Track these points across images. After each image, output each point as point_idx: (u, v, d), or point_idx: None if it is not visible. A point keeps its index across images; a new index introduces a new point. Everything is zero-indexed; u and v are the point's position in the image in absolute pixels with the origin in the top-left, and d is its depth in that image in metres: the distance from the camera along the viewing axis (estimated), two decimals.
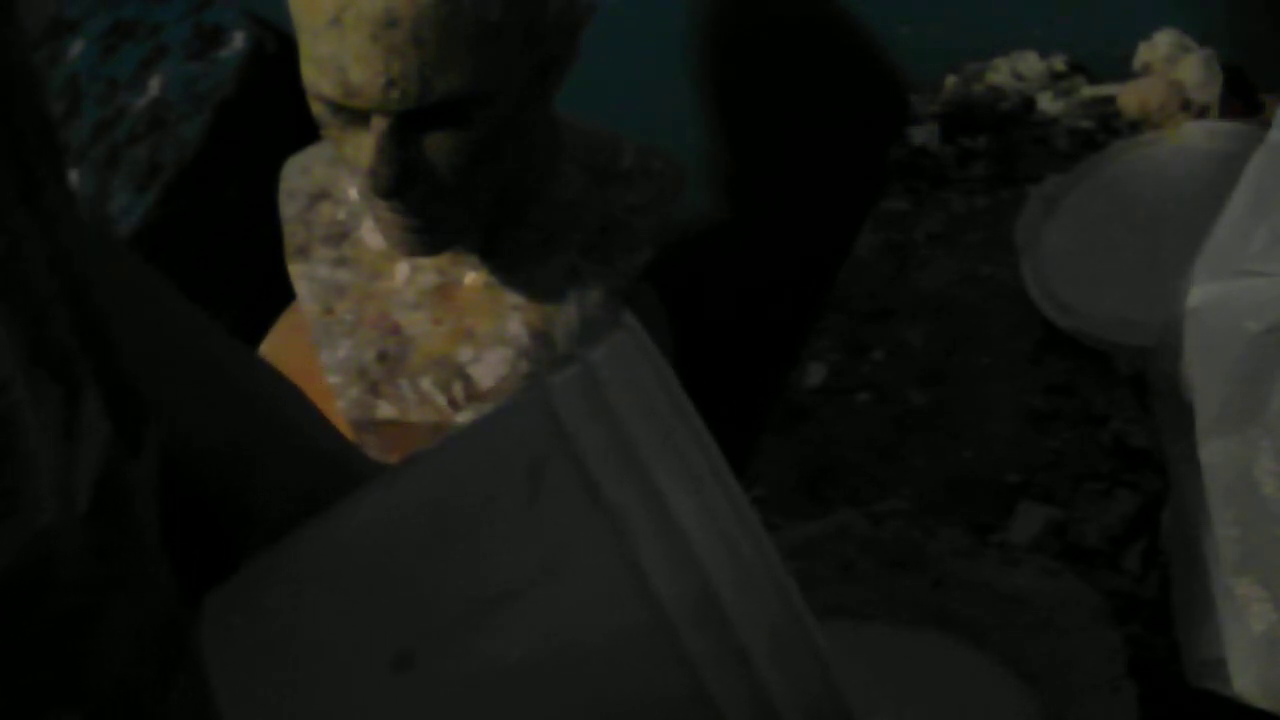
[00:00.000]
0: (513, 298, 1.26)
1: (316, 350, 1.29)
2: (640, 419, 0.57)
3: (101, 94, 1.61)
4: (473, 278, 1.27)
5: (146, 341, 0.65)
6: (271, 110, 1.59)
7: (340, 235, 1.30)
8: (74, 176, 1.56)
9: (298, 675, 0.57)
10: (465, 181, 1.14)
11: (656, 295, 1.39)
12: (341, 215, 1.31)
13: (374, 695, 0.56)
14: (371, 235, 1.28)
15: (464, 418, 1.26)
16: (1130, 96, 1.30)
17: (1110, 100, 1.33)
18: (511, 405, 0.63)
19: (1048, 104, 1.35)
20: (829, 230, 1.36)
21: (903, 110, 1.38)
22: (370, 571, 0.58)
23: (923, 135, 1.35)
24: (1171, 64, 1.30)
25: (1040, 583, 0.97)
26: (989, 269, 1.24)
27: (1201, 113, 1.27)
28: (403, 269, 1.28)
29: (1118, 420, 1.11)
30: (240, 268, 1.58)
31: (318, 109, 1.14)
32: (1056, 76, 1.36)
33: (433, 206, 1.15)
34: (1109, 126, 1.31)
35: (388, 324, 1.28)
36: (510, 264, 1.26)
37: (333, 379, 1.27)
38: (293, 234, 1.31)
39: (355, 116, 1.12)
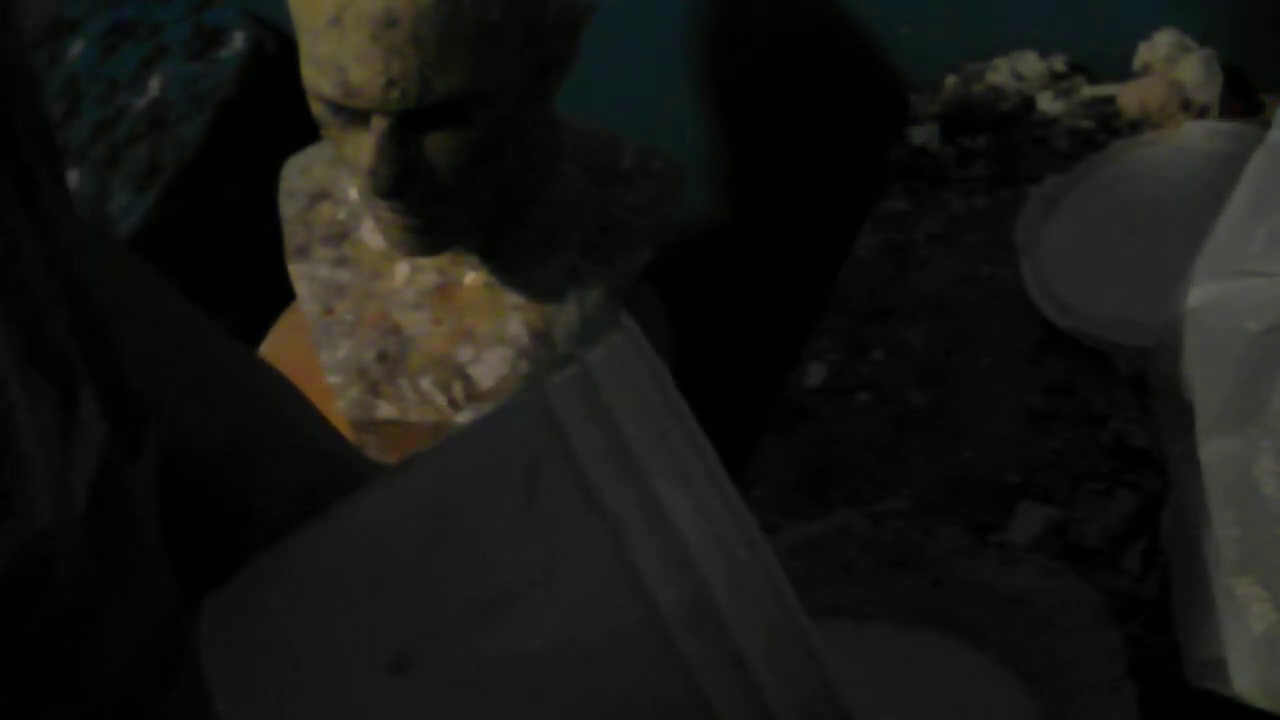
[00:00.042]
0: (513, 298, 1.26)
1: (316, 350, 1.29)
2: (636, 420, 0.57)
3: (101, 94, 1.61)
4: (473, 278, 1.27)
5: (146, 342, 0.65)
6: (271, 110, 1.59)
7: (340, 235, 1.30)
8: (74, 176, 1.56)
9: (296, 676, 0.57)
10: (465, 181, 1.14)
11: (656, 295, 1.39)
12: (341, 215, 1.31)
13: (372, 697, 0.56)
14: (371, 235, 1.28)
15: (464, 418, 1.26)
16: (1130, 96, 1.30)
17: (1110, 100, 1.33)
18: (509, 406, 0.63)
19: (1048, 104, 1.35)
20: (829, 230, 1.36)
21: (903, 110, 1.38)
22: (368, 573, 0.58)
23: (923, 135, 1.35)
24: (1171, 64, 1.30)
25: (1040, 583, 0.97)
26: (989, 269, 1.24)
27: (1201, 113, 1.27)
28: (403, 269, 1.28)
29: (1118, 420, 1.11)
30: (240, 268, 1.58)
31: (318, 109, 1.14)
32: (1056, 76, 1.36)
33: (433, 206, 1.15)
34: (1109, 126, 1.31)
35: (388, 324, 1.28)
36: (510, 264, 1.26)
37: (333, 379, 1.27)
38: (293, 234, 1.31)
39: (355, 116, 1.12)
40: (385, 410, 1.27)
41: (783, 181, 1.56)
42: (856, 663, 0.62)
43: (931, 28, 1.43)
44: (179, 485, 0.65)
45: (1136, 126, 1.29)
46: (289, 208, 1.32)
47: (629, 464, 0.56)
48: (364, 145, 1.12)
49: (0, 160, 0.48)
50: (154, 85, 1.60)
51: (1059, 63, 1.36)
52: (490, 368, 1.26)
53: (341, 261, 1.29)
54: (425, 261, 1.26)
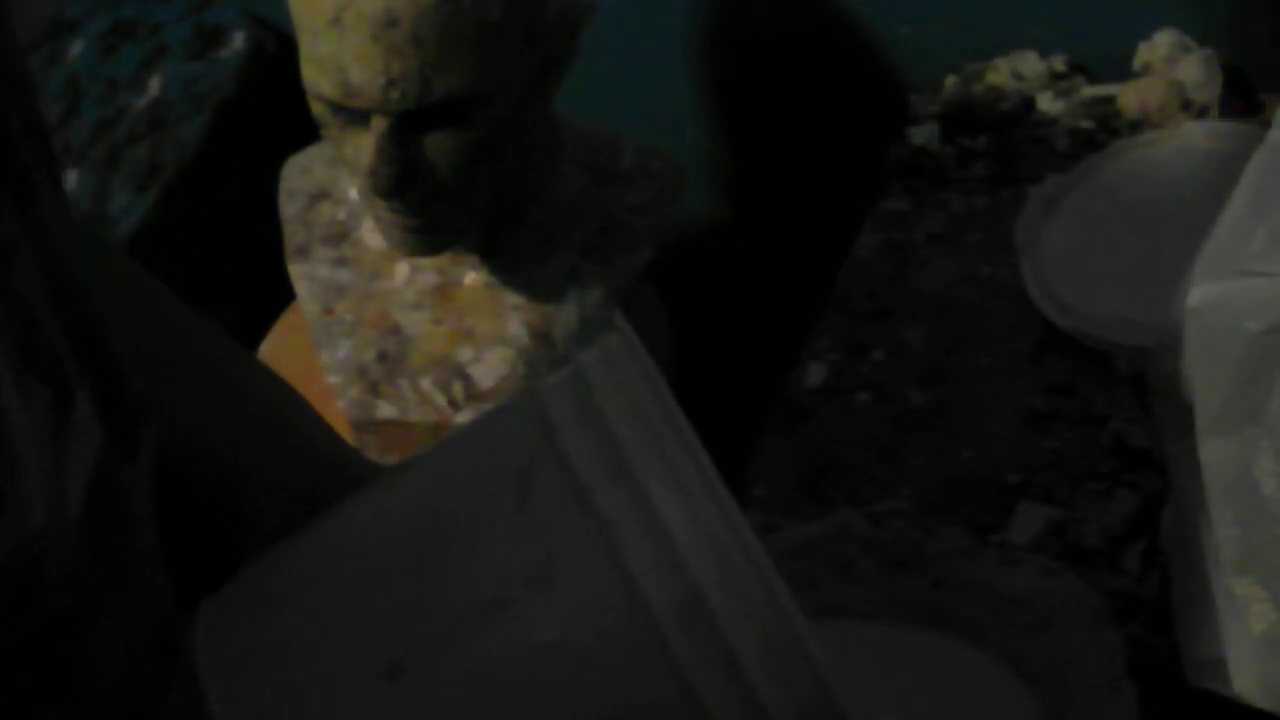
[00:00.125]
0: (513, 298, 1.26)
1: (316, 350, 1.29)
2: (629, 423, 0.57)
3: (101, 94, 1.61)
4: (473, 278, 1.27)
5: (145, 343, 0.65)
6: (271, 110, 1.59)
7: (340, 235, 1.30)
8: (74, 176, 1.56)
9: (291, 681, 0.57)
10: (465, 181, 1.14)
11: (656, 295, 1.39)
12: (341, 215, 1.31)
13: (366, 702, 0.56)
14: (371, 235, 1.28)
15: (464, 418, 1.26)
16: (1130, 96, 1.30)
17: (1110, 100, 1.33)
18: (503, 409, 0.63)
19: (1048, 104, 1.35)
20: (829, 230, 1.36)
21: (903, 110, 1.38)
22: (363, 578, 0.58)
23: (923, 135, 1.35)
24: (1171, 64, 1.30)
25: (1040, 583, 0.97)
26: (989, 269, 1.24)
27: (1201, 113, 1.27)
28: (403, 269, 1.28)
29: (1118, 420, 1.11)
30: (240, 268, 1.58)
31: (318, 109, 1.14)
32: (1056, 76, 1.36)
33: (433, 206, 1.15)
34: (1109, 126, 1.31)
35: (388, 324, 1.28)
36: (510, 264, 1.26)
37: (333, 379, 1.27)
38: (293, 234, 1.31)
39: (355, 116, 1.12)
40: (385, 410, 1.27)
41: (783, 181, 1.56)
42: (856, 663, 0.62)
43: (931, 28, 1.43)
44: (177, 486, 0.65)
45: (1136, 126, 1.29)
46: (289, 208, 1.32)
47: (621, 467, 0.56)
48: (364, 145, 1.12)
49: None
50: (154, 85, 1.60)
51: (1059, 63, 1.36)
52: (490, 368, 1.26)
53: (341, 261, 1.29)
54: (425, 261, 1.26)
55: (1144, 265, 1.16)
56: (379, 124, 1.10)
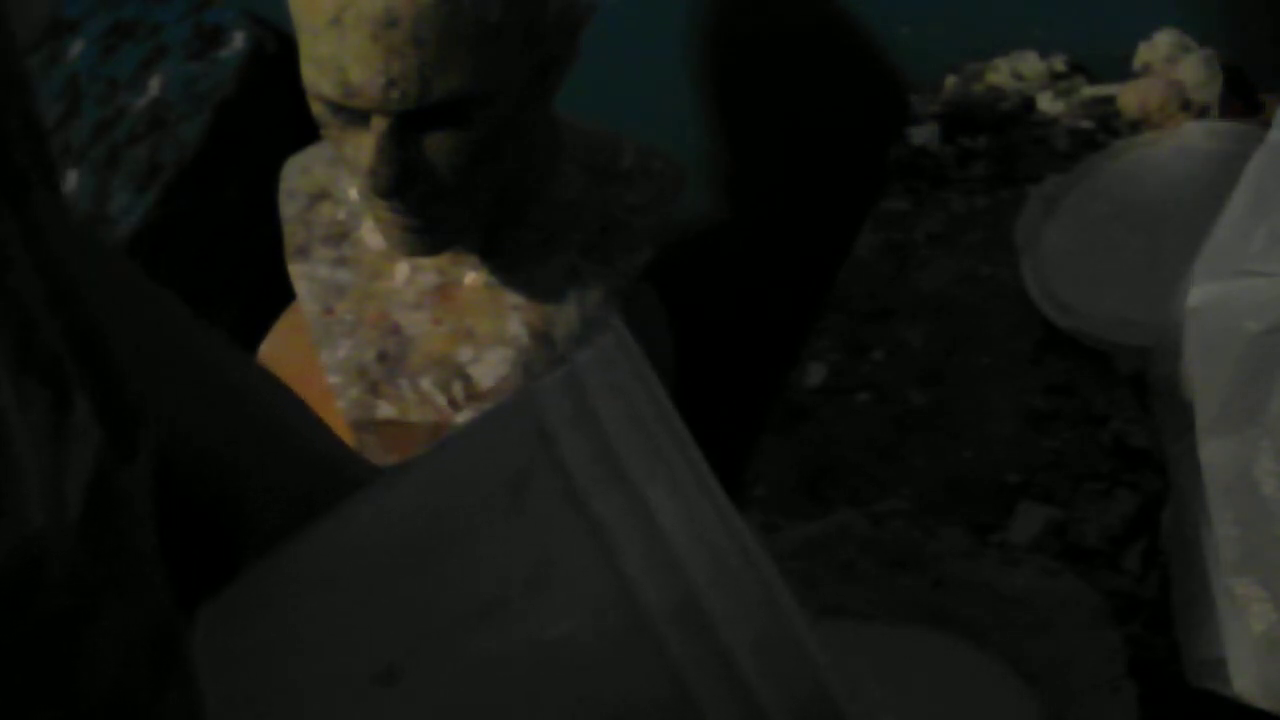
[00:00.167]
0: (513, 298, 1.26)
1: (316, 350, 1.29)
2: (623, 425, 0.57)
3: (101, 94, 1.61)
4: (473, 278, 1.27)
5: (144, 345, 0.65)
6: (271, 110, 1.59)
7: (340, 235, 1.30)
8: (74, 176, 1.56)
9: (290, 683, 0.57)
10: (465, 181, 1.14)
11: (656, 295, 1.39)
12: (341, 215, 1.31)
13: (364, 704, 0.56)
14: (371, 235, 1.28)
15: (464, 418, 1.26)
16: (1130, 96, 1.30)
17: (1110, 100, 1.33)
18: (500, 411, 0.63)
19: (1048, 104, 1.35)
20: (829, 230, 1.36)
21: (903, 110, 1.38)
22: (361, 582, 0.59)
23: (923, 135, 1.35)
24: (1171, 64, 1.30)
25: (1040, 583, 0.97)
26: (989, 269, 1.24)
27: (1201, 113, 1.27)
28: (403, 269, 1.28)
29: (1118, 420, 1.11)
30: (240, 268, 1.58)
31: (318, 109, 1.14)
32: (1056, 76, 1.36)
33: (433, 206, 1.15)
34: (1109, 126, 1.31)
35: (388, 324, 1.28)
36: (510, 264, 1.26)
37: (333, 379, 1.27)
38: (293, 234, 1.31)
39: (355, 116, 1.12)
40: (385, 410, 1.27)
41: (783, 181, 1.56)
42: (857, 663, 0.61)
43: (931, 28, 1.43)
44: (177, 487, 0.65)
45: (1136, 126, 1.29)
46: (289, 208, 1.32)
47: (615, 469, 0.56)
48: (364, 145, 1.12)
49: None
50: (154, 85, 1.60)
51: (1059, 63, 1.36)
52: (490, 368, 1.26)
53: (341, 261, 1.29)
54: (425, 261, 1.26)
55: (1144, 265, 1.16)
56: (379, 124, 1.10)
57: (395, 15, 1.07)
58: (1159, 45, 1.32)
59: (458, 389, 1.26)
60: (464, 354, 1.26)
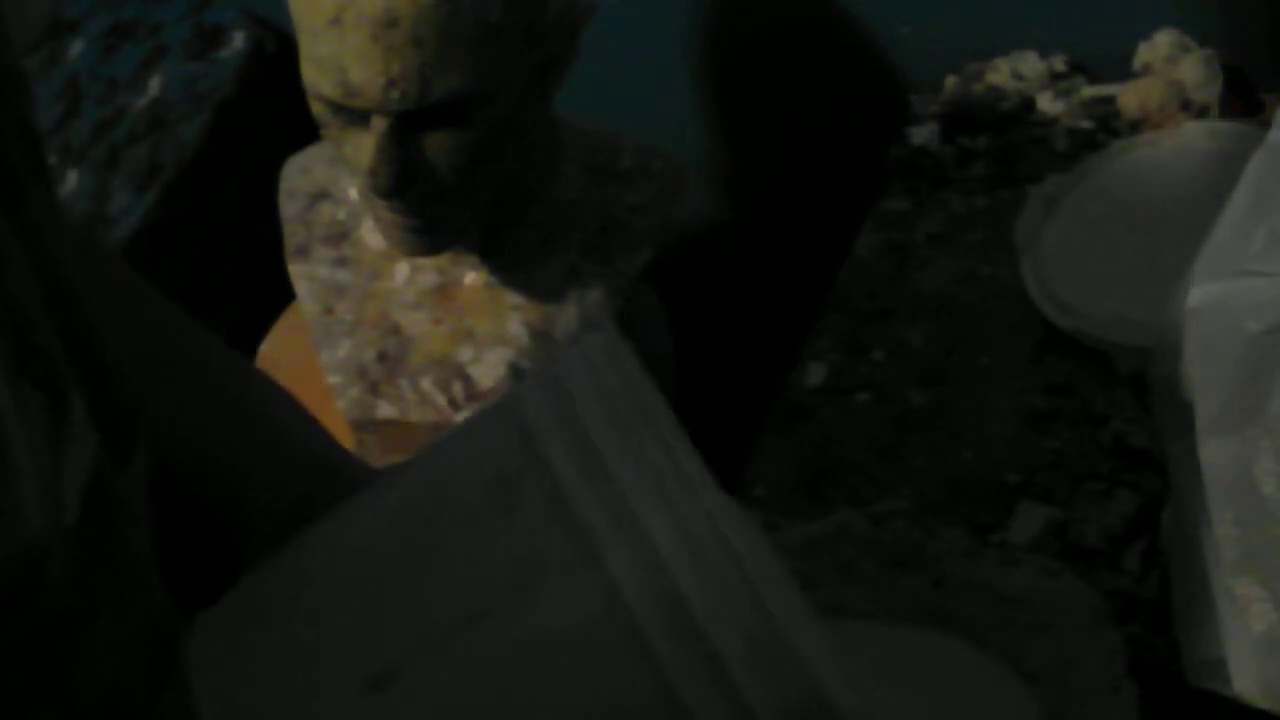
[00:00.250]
0: (513, 298, 1.26)
1: (316, 350, 1.29)
2: (607, 428, 0.56)
3: (101, 94, 1.61)
4: (473, 278, 1.27)
5: (143, 347, 0.65)
6: (271, 110, 1.59)
7: (340, 235, 1.30)
8: (74, 176, 1.56)
9: (284, 690, 0.57)
10: (465, 181, 1.14)
11: (656, 295, 1.39)
12: (341, 215, 1.31)
13: (356, 710, 0.56)
14: (371, 235, 1.28)
15: (464, 418, 1.26)
16: (1130, 96, 1.30)
17: (1110, 100, 1.33)
18: (486, 414, 0.62)
19: (1048, 104, 1.35)
20: (829, 230, 1.36)
21: (903, 110, 1.38)
22: (353, 589, 0.59)
23: (923, 135, 1.35)
24: (1171, 64, 1.30)
25: (1040, 583, 0.97)
26: (989, 269, 1.24)
27: (1201, 113, 1.27)
28: (403, 269, 1.28)
29: (1118, 420, 1.11)
30: (240, 268, 1.58)
31: (318, 109, 1.14)
32: (1056, 76, 1.36)
33: (433, 206, 1.15)
34: (1109, 126, 1.31)
35: (388, 324, 1.28)
36: (510, 264, 1.26)
37: (333, 379, 1.27)
38: (293, 234, 1.31)
39: (355, 116, 1.12)
40: (385, 410, 1.27)
41: (783, 181, 1.56)
42: (857, 663, 0.61)
43: (931, 28, 1.43)
44: (175, 489, 0.65)
45: (1136, 126, 1.29)
46: (289, 208, 1.32)
47: (600, 472, 0.56)
48: (364, 145, 1.12)
49: None
50: (154, 85, 1.60)
51: (1059, 63, 1.36)
52: (490, 368, 1.26)
53: (341, 261, 1.29)
54: (425, 261, 1.26)
55: (1144, 265, 1.16)
56: (379, 124, 1.10)
57: (395, 15, 1.07)
58: (1159, 45, 1.32)
59: (458, 389, 1.26)
60: (464, 354, 1.26)
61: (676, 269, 1.41)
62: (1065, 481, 1.09)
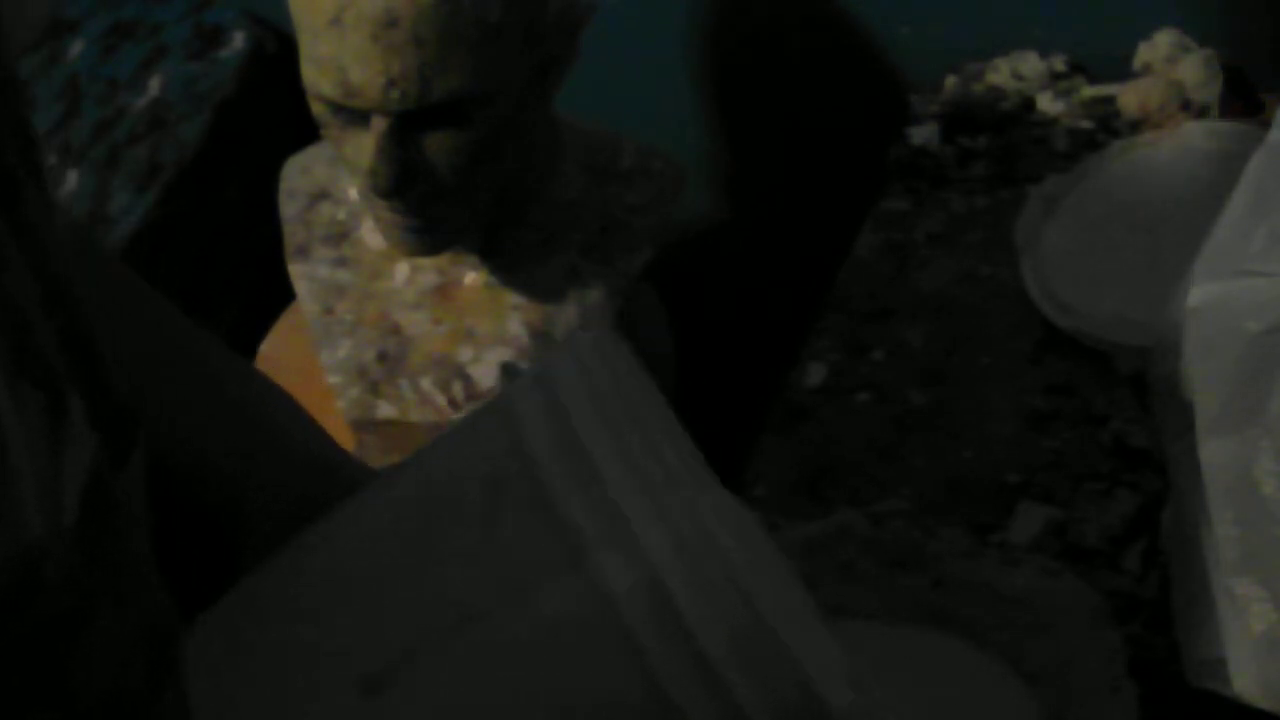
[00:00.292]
0: (513, 298, 1.26)
1: (316, 350, 1.29)
2: (597, 428, 0.56)
3: (101, 94, 1.61)
4: (473, 278, 1.27)
5: (141, 347, 0.65)
6: (271, 110, 1.59)
7: (340, 235, 1.30)
8: (74, 176, 1.56)
9: (277, 695, 0.57)
10: (465, 181, 1.14)
11: (656, 295, 1.39)
12: (341, 215, 1.31)
13: (348, 715, 0.56)
14: (371, 235, 1.28)
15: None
16: (1130, 96, 1.30)
17: (1110, 100, 1.33)
18: (476, 417, 0.62)
19: (1048, 104, 1.35)
20: (829, 230, 1.36)
21: (903, 110, 1.38)
22: (346, 592, 0.59)
23: (923, 135, 1.35)
24: (1171, 64, 1.30)
25: (1040, 583, 0.97)
26: (989, 269, 1.24)
27: (1201, 113, 1.27)
28: (403, 269, 1.28)
29: (1118, 420, 1.11)
30: (240, 268, 1.58)
31: (318, 109, 1.14)
32: (1056, 76, 1.36)
33: (433, 206, 1.15)
34: (1109, 126, 1.31)
35: (388, 324, 1.28)
36: (510, 264, 1.26)
37: (333, 379, 1.27)
38: (293, 234, 1.31)
39: (355, 116, 1.12)
40: (385, 410, 1.27)
41: (783, 181, 1.56)
42: (857, 663, 0.61)
43: (931, 28, 1.43)
44: (174, 489, 0.65)
45: (1136, 126, 1.29)
46: (289, 208, 1.32)
47: (589, 474, 0.56)
48: (364, 145, 1.12)
49: None
50: (154, 85, 1.60)
51: (1059, 63, 1.36)
52: (490, 368, 1.26)
53: (341, 261, 1.29)
54: (425, 261, 1.26)
55: (1144, 265, 1.16)
56: (379, 124, 1.10)
57: (395, 15, 1.07)
58: (1159, 45, 1.32)
59: (458, 389, 1.26)
60: (464, 354, 1.26)
61: (676, 269, 1.41)
62: (1065, 481, 1.09)
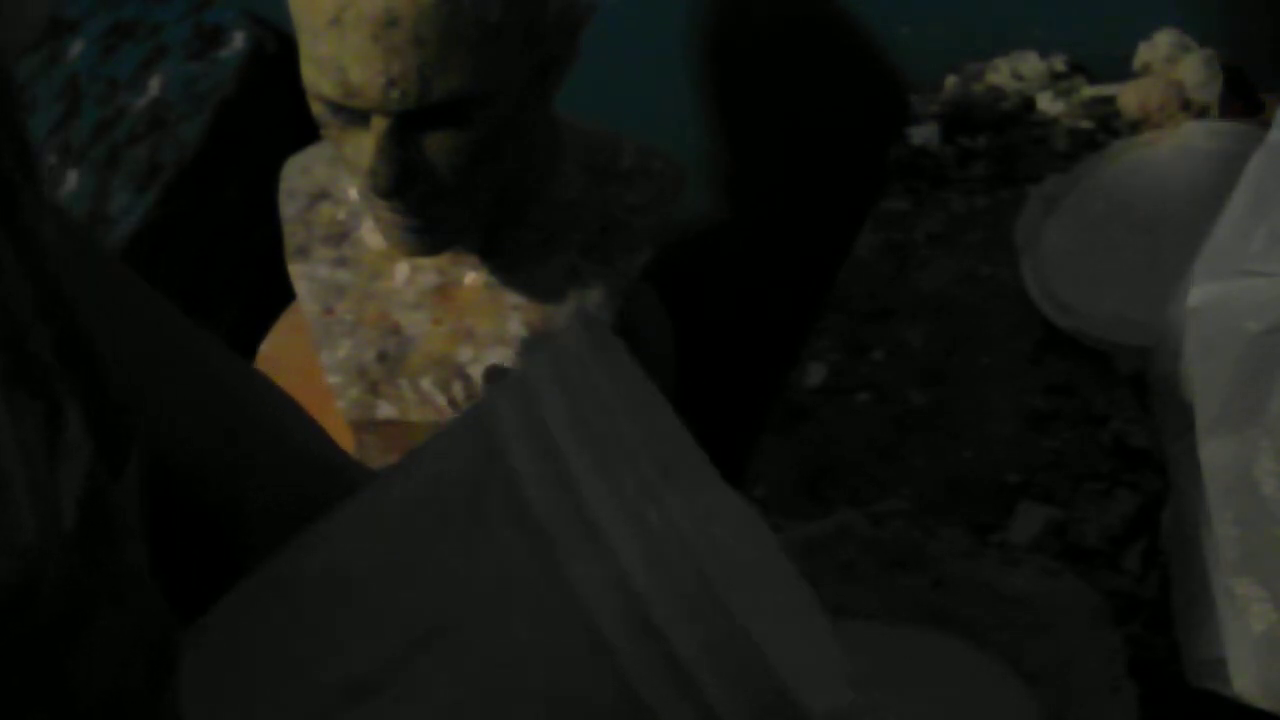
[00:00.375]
0: (513, 298, 1.26)
1: (316, 350, 1.29)
2: (572, 434, 0.56)
3: (101, 94, 1.61)
4: (473, 278, 1.27)
5: (142, 347, 0.65)
6: (271, 110, 1.59)
7: (340, 235, 1.30)
8: (74, 176, 1.56)
9: (267, 701, 0.58)
10: (465, 181, 1.14)
11: (656, 295, 1.39)
12: (341, 215, 1.31)
13: None
14: (371, 235, 1.28)
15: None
16: (1130, 96, 1.30)
17: (1110, 100, 1.33)
18: (457, 423, 0.62)
19: (1048, 104, 1.35)
20: (829, 230, 1.36)
21: (903, 110, 1.38)
22: (333, 599, 0.59)
23: (923, 135, 1.35)
24: (1171, 64, 1.30)
25: (1040, 583, 0.97)
26: (989, 269, 1.24)
27: (1201, 113, 1.27)
28: (403, 269, 1.28)
29: (1118, 420, 1.11)
30: (240, 268, 1.58)
31: (318, 109, 1.14)
32: (1056, 76, 1.36)
33: (433, 206, 1.15)
34: (1109, 126, 1.31)
35: (388, 324, 1.28)
36: (510, 264, 1.26)
37: (333, 379, 1.27)
38: (293, 234, 1.31)
39: (355, 116, 1.12)
40: (385, 410, 1.27)
41: (783, 181, 1.56)
42: (857, 663, 0.61)
43: (931, 28, 1.43)
44: (174, 489, 0.65)
45: (1136, 126, 1.29)
46: (289, 208, 1.32)
47: (563, 482, 0.55)
48: (364, 145, 1.12)
49: None
50: (154, 85, 1.60)
51: (1059, 63, 1.36)
52: None
53: (341, 261, 1.29)
54: (425, 261, 1.26)
55: (1144, 265, 1.16)
56: (379, 124, 1.10)
57: (395, 15, 1.07)
58: (1159, 45, 1.32)
59: (458, 389, 1.26)
60: (464, 354, 1.26)
61: (676, 269, 1.41)
62: (1065, 481, 1.09)
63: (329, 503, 0.63)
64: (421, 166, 1.12)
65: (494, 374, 1.24)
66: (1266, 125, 0.83)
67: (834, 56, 1.50)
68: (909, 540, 1.00)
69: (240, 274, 1.58)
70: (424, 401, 1.26)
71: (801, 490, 1.13)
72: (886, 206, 1.32)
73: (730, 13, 1.52)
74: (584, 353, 0.58)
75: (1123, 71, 1.33)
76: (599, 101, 1.33)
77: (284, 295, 1.36)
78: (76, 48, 1.65)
